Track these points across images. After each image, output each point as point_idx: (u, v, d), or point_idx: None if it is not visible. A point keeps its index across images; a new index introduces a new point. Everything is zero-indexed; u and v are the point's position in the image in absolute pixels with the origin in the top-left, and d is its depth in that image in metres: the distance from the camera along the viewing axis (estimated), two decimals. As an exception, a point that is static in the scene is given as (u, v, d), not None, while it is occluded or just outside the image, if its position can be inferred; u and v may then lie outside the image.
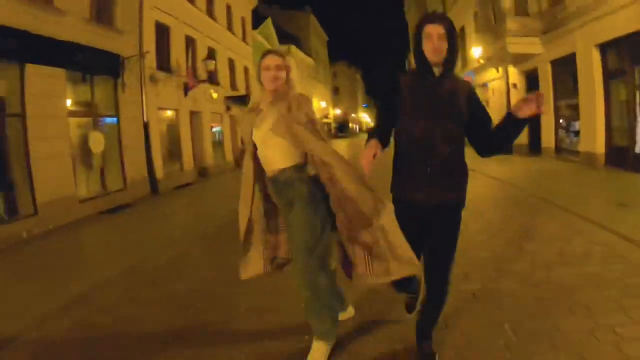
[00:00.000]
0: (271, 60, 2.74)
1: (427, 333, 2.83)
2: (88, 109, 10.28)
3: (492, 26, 16.88)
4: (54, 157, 8.55)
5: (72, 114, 9.42)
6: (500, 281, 4.11)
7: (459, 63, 20.71)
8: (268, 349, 3.10)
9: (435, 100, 2.38)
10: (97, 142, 10.14)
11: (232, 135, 20.81)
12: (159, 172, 13.05)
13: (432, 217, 2.50)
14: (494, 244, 5.30)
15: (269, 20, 32.16)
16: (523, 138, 15.92)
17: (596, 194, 7.93)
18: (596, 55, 11.14)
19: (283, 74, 2.74)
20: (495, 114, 17.33)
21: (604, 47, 10.96)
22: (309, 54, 47.41)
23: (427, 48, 2.34)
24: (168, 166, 14.18)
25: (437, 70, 2.39)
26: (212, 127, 18.72)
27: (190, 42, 16.28)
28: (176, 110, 15.08)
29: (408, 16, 39.64)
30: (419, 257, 2.51)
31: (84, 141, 9.90)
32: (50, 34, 8.44)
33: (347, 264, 2.73)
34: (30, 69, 8.01)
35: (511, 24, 14.38)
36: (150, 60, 12.77)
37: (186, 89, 15.13)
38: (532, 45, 14.20)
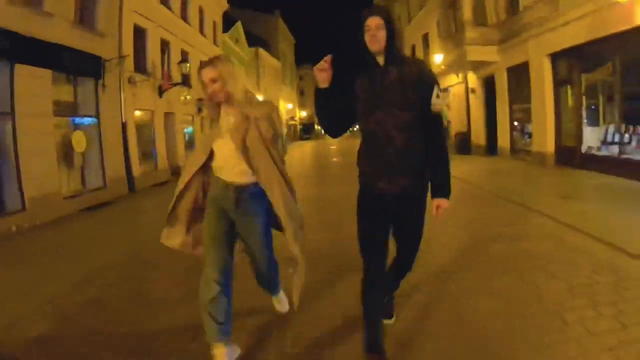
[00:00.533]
0: (205, 75, 2.64)
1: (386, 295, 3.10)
2: (71, 109, 10.63)
3: (453, 34, 17.74)
4: (41, 154, 8.89)
5: (57, 113, 9.74)
6: (446, 253, 4.92)
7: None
8: (257, 304, 3.64)
9: (383, 91, 2.45)
10: (80, 142, 10.47)
11: (204, 136, 21.07)
12: (136, 171, 13.43)
13: (397, 205, 2.58)
14: (444, 225, 6.06)
15: (239, 24, 32.69)
16: (481, 139, 16.94)
17: (541, 188, 8.86)
18: (547, 64, 12.14)
19: (218, 85, 2.63)
20: (456, 116, 18.24)
21: (554, 57, 11.94)
22: (276, 57, 48.01)
23: (367, 39, 2.45)
24: (144, 165, 14.54)
25: (381, 60, 2.49)
26: (184, 128, 19.12)
27: (165, 45, 16.71)
28: (152, 111, 15.43)
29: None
30: (384, 243, 2.63)
31: (68, 140, 10.23)
32: (38, 35, 8.80)
33: None
34: (19, 69, 8.35)
35: (470, 33, 15.29)
36: (129, 62, 13.12)
37: (161, 91, 15.57)
38: (489, 54, 15.11)
